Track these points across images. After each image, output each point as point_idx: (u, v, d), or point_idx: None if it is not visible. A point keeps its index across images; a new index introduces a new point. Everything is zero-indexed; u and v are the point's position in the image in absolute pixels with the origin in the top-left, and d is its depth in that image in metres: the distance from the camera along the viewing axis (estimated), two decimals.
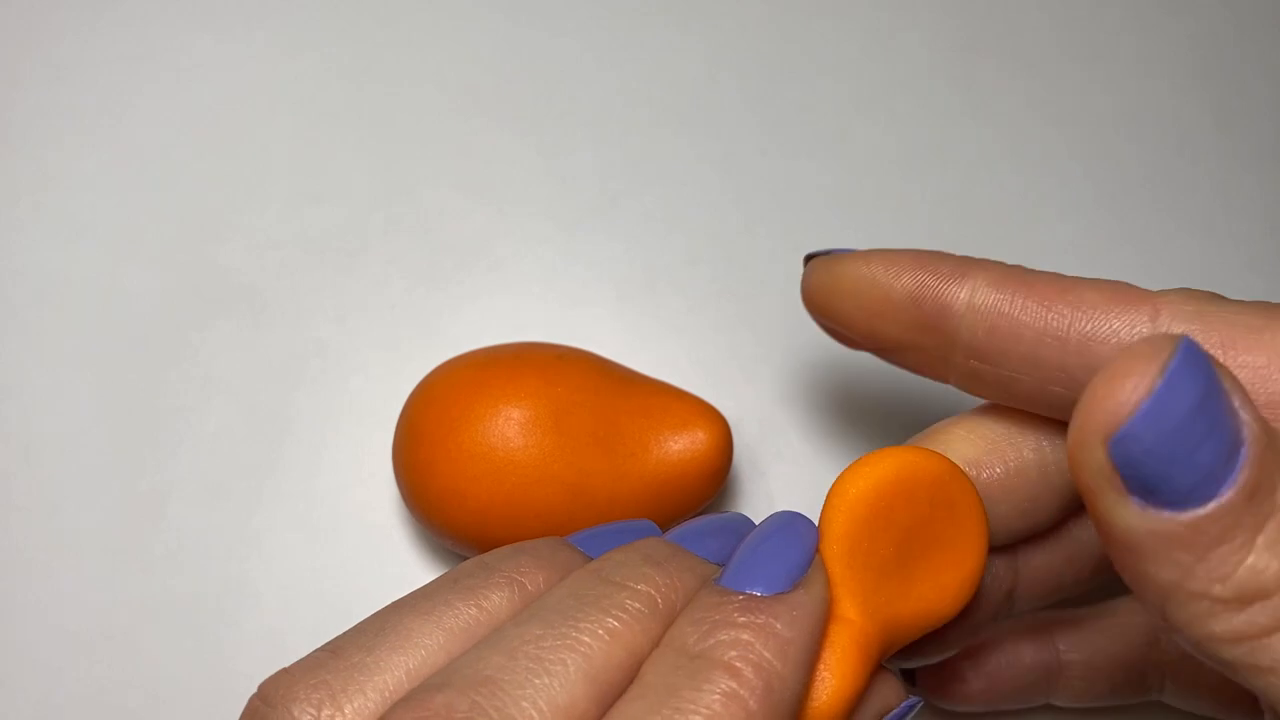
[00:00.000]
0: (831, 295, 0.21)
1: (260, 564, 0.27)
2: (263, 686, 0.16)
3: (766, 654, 0.16)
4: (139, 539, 0.28)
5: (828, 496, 0.19)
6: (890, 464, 0.19)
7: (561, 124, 0.32)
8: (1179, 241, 0.32)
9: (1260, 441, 0.15)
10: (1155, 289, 0.20)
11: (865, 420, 0.30)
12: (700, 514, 0.26)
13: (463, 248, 0.31)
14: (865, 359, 0.30)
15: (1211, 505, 0.15)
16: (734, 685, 0.15)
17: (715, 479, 0.26)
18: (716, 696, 0.15)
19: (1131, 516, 0.15)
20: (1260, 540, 0.15)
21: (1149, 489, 0.15)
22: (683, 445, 0.25)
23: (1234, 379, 0.15)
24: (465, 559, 0.27)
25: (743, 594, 0.17)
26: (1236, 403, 0.15)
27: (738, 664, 0.16)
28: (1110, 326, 0.18)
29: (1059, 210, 0.32)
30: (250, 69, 0.32)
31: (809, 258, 0.22)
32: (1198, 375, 0.15)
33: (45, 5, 0.32)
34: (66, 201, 0.30)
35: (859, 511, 0.18)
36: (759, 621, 0.16)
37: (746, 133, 0.32)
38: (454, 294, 0.30)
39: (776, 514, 0.19)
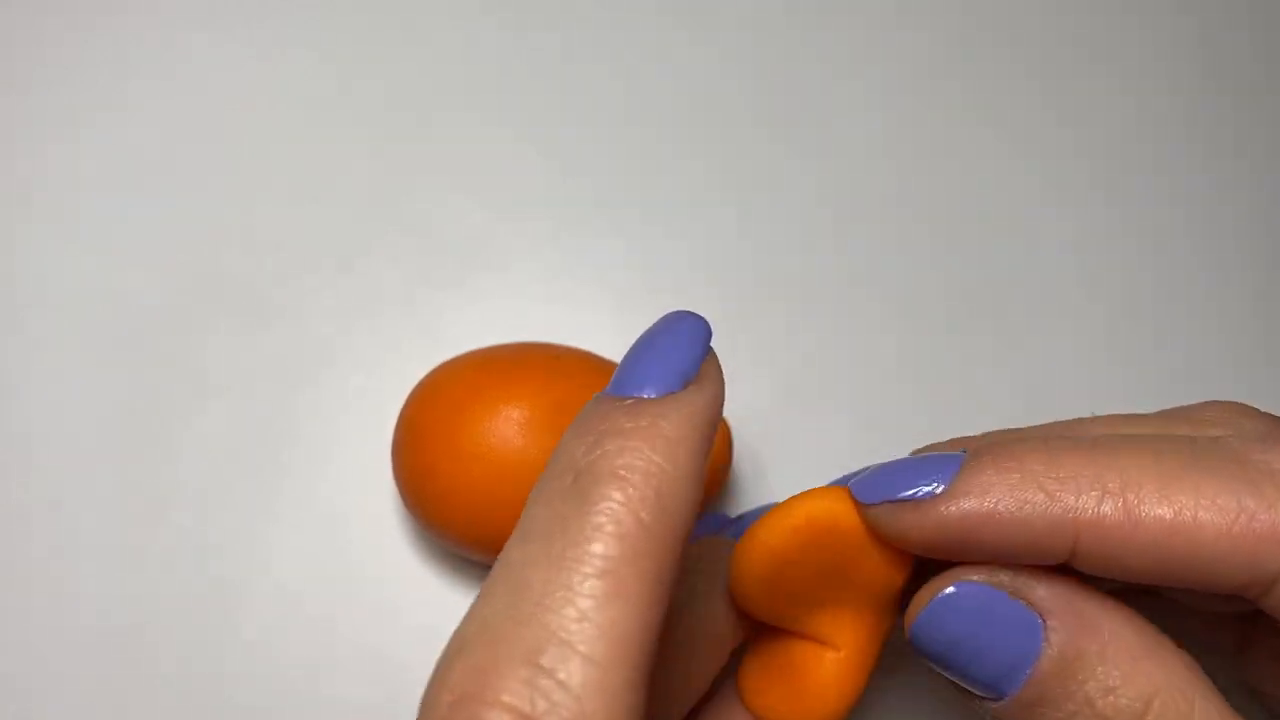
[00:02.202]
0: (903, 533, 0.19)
1: (260, 564, 0.27)
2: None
3: (655, 458, 0.15)
4: (140, 539, 0.28)
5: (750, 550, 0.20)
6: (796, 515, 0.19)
7: (562, 124, 0.32)
8: (1183, 239, 0.32)
9: (1052, 661, 0.17)
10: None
11: (865, 420, 0.30)
12: (701, 514, 0.26)
13: (463, 248, 0.31)
14: (867, 359, 0.30)
15: (997, 705, 0.17)
16: (622, 496, 0.15)
17: (715, 479, 0.26)
18: (606, 510, 0.15)
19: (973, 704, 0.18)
20: None
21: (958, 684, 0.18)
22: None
23: (1037, 588, 0.17)
24: (465, 559, 0.27)
25: (630, 398, 0.16)
26: (1042, 614, 0.17)
27: (623, 472, 0.15)
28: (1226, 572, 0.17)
29: (1060, 209, 0.32)
30: (251, 69, 0.32)
31: (871, 499, 0.19)
32: (958, 613, 0.17)
33: (45, 5, 0.32)
34: (67, 203, 0.30)
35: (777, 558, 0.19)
36: (644, 425, 0.16)
37: (747, 133, 0.32)
38: (454, 294, 0.30)
39: (668, 313, 0.18)
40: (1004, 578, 0.17)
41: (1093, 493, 0.17)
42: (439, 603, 0.27)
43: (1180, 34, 0.34)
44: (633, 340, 0.30)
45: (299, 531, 0.28)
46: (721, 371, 0.17)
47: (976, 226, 0.32)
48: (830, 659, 0.21)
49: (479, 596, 0.15)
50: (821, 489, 0.19)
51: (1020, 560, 0.17)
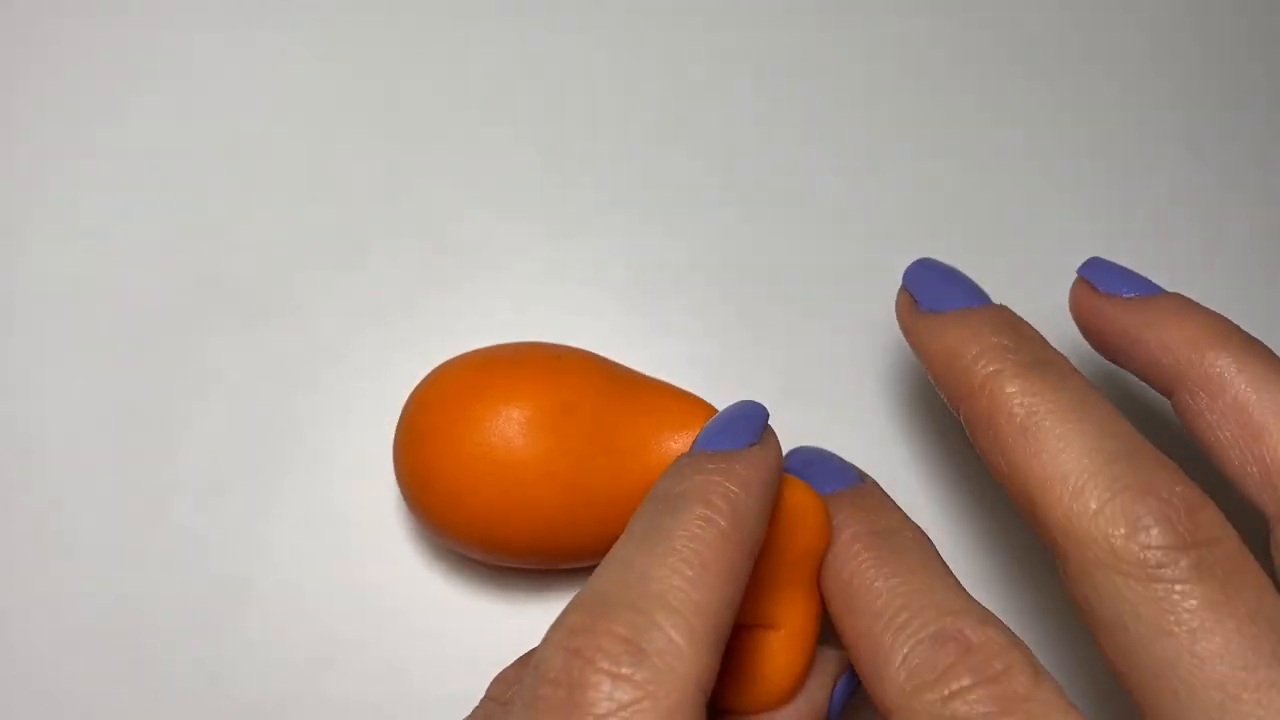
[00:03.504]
0: None
1: (260, 564, 0.27)
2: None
3: (731, 486, 0.20)
4: (140, 539, 0.28)
5: None
6: None
7: (562, 124, 0.32)
8: (1190, 239, 0.32)
9: None
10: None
11: (865, 419, 0.30)
12: None
13: (463, 248, 0.31)
14: (867, 359, 0.30)
15: None
16: (707, 511, 0.19)
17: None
18: (695, 520, 0.19)
19: None
20: None
21: None
22: (682, 445, 0.25)
23: None
24: (466, 559, 0.27)
25: (710, 451, 0.21)
26: None
27: (710, 495, 0.19)
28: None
29: (1062, 209, 0.32)
30: (251, 69, 0.32)
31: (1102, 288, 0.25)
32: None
33: (45, 5, 0.32)
34: (67, 202, 0.30)
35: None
36: (724, 465, 0.20)
37: (748, 132, 0.32)
38: (454, 294, 0.30)
39: (735, 403, 0.23)
40: None
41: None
42: (440, 603, 0.27)
43: (1181, 33, 0.34)
44: (632, 339, 0.30)
45: (300, 531, 0.28)
46: (777, 440, 0.22)
47: (978, 226, 0.32)
48: (772, 638, 0.22)
49: (586, 584, 0.19)
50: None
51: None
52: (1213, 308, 0.23)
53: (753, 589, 0.21)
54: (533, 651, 0.21)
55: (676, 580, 0.18)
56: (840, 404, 0.30)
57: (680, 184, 0.31)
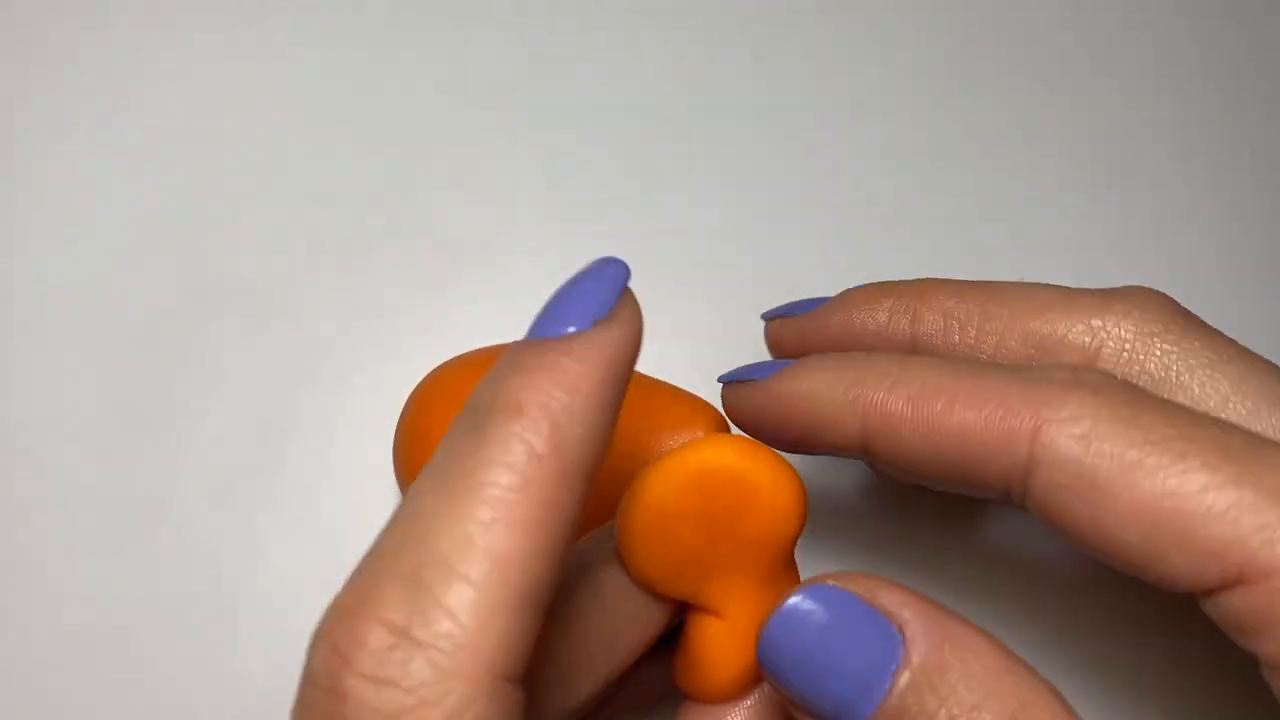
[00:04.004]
0: (765, 420, 0.21)
1: (261, 564, 0.27)
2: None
3: (556, 391, 0.16)
4: (140, 539, 0.28)
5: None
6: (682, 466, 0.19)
7: (562, 124, 0.32)
8: (1181, 241, 0.32)
9: (911, 677, 0.16)
10: (1170, 293, 0.21)
11: None
12: None
13: (463, 248, 0.31)
14: None
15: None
16: (517, 428, 0.15)
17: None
18: (500, 443, 0.15)
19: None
20: None
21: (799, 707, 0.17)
22: (682, 444, 0.25)
23: (896, 597, 0.16)
24: None
25: (536, 340, 0.17)
26: (901, 626, 0.16)
27: (524, 405, 0.15)
28: (987, 470, 0.18)
29: (1062, 209, 0.32)
30: (251, 69, 0.32)
31: (726, 381, 0.22)
32: (805, 626, 0.16)
33: (44, 5, 0.32)
34: (67, 202, 0.30)
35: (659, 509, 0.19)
36: (547, 360, 0.16)
37: (748, 132, 0.32)
38: (454, 294, 0.30)
39: (591, 261, 0.19)
40: (858, 584, 0.17)
41: (885, 384, 0.19)
42: None
43: (1180, 33, 0.34)
44: None
45: (299, 531, 0.28)
46: (637, 312, 0.17)
47: (978, 227, 0.32)
48: (715, 629, 0.20)
49: (381, 531, 0.16)
50: (708, 437, 0.19)
51: (823, 440, 0.20)
52: (1212, 310, 0.22)
53: (709, 573, 0.19)
54: None
55: (470, 529, 0.15)
56: None
57: (680, 184, 0.31)
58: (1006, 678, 0.16)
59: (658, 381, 0.26)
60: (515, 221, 0.31)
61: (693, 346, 0.30)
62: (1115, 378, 0.18)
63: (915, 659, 0.16)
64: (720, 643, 0.20)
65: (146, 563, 0.27)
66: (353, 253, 0.30)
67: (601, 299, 0.17)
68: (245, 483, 0.28)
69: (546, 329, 0.17)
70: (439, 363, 0.26)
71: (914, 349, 0.22)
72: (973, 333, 0.21)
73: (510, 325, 0.30)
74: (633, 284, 0.31)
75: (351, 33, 0.32)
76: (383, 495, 0.28)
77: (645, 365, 0.28)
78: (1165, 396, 0.19)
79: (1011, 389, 0.18)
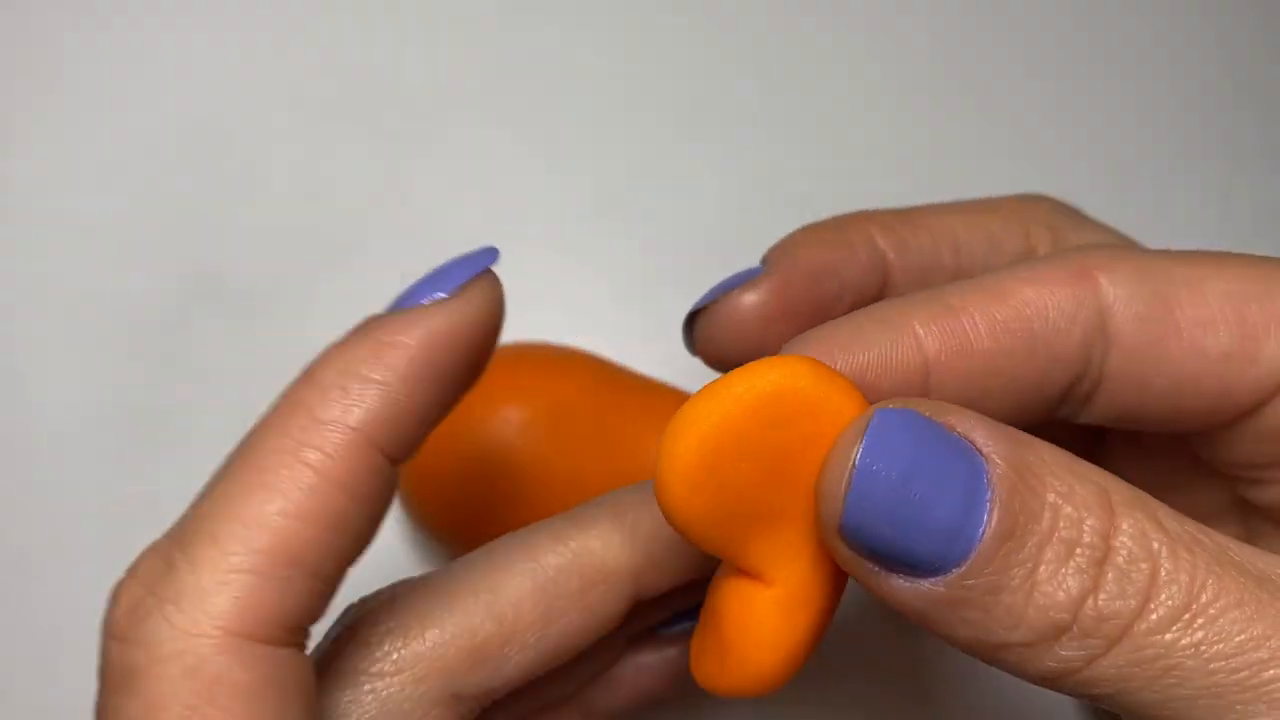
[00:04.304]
0: (760, 330, 0.20)
1: None
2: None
3: (356, 364, 0.16)
4: (138, 539, 0.28)
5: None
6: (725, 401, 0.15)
7: (562, 124, 0.32)
8: (1182, 240, 0.32)
9: (1006, 479, 0.14)
10: (1037, 197, 0.21)
11: None
12: None
13: (462, 247, 0.30)
14: None
15: (970, 559, 0.14)
16: (299, 397, 0.16)
17: None
18: (283, 414, 0.16)
19: (901, 593, 0.14)
20: (1041, 573, 0.14)
21: (901, 563, 0.14)
22: None
23: (969, 416, 0.14)
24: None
25: (379, 315, 0.17)
26: (975, 441, 0.14)
27: (315, 373, 0.16)
28: (1058, 326, 0.17)
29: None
30: (249, 68, 0.32)
31: (690, 320, 0.21)
32: (899, 440, 0.14)
33: (43, 5, 0.32)
34: (64, 201, 0.30)
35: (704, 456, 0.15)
36: (369, 334, 0.16)
37: (747, 132, 0.32)
38: None
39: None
40: (927, 408, 0.15)
41: (926, 309, 0.17)
42: None
43: (1181, 33, 0.34)
44: (632, 340, 0.30)
45: None
46: (490, 290, 0.17)
47: None
48: (763, 599, 0.16)
49: None
50: (769, 359, 0.16)
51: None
52: None
53: (759, 525, 0.16)
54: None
55: (231, 491, 0.15)
56: None
57: (679, 183, 0.31)
58: (1089, 487, 0.14)
59: (657, 382, 0.26)
60: (515, 221, 0.31)
61: None
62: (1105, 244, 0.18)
63: (1005, 484, 0.14)
64: (768, 616, 0.16)
65: None
66: (351, 252, 0.30)
67: (452, 279, 0.17)
68: None
69: (398, 302, 0.17)
70: None
71: (886, 268, 0.20)
72: (926, 238, 0.21)
73: (510, 325, 0.30)
74: (633, 285, 0.31)
75: (351, 33, 0.32)
76: None
77: (645, 365, 0.28)
78: None
79: (1041, 265, 0.17)
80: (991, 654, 0.14)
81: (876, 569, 0.14)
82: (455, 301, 0.17)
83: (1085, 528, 0.14)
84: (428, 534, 0.26)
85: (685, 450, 0.15)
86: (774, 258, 0.20)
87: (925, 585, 0.14)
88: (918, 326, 0.16)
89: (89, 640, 0.27)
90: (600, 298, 0.30)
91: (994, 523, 0.14)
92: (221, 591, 0.14)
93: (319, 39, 0.32)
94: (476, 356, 0.17)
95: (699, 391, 0.15)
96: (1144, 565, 0.14)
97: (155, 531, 0.28)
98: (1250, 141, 0.33)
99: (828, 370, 0.15)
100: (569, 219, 0.31)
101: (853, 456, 0.14)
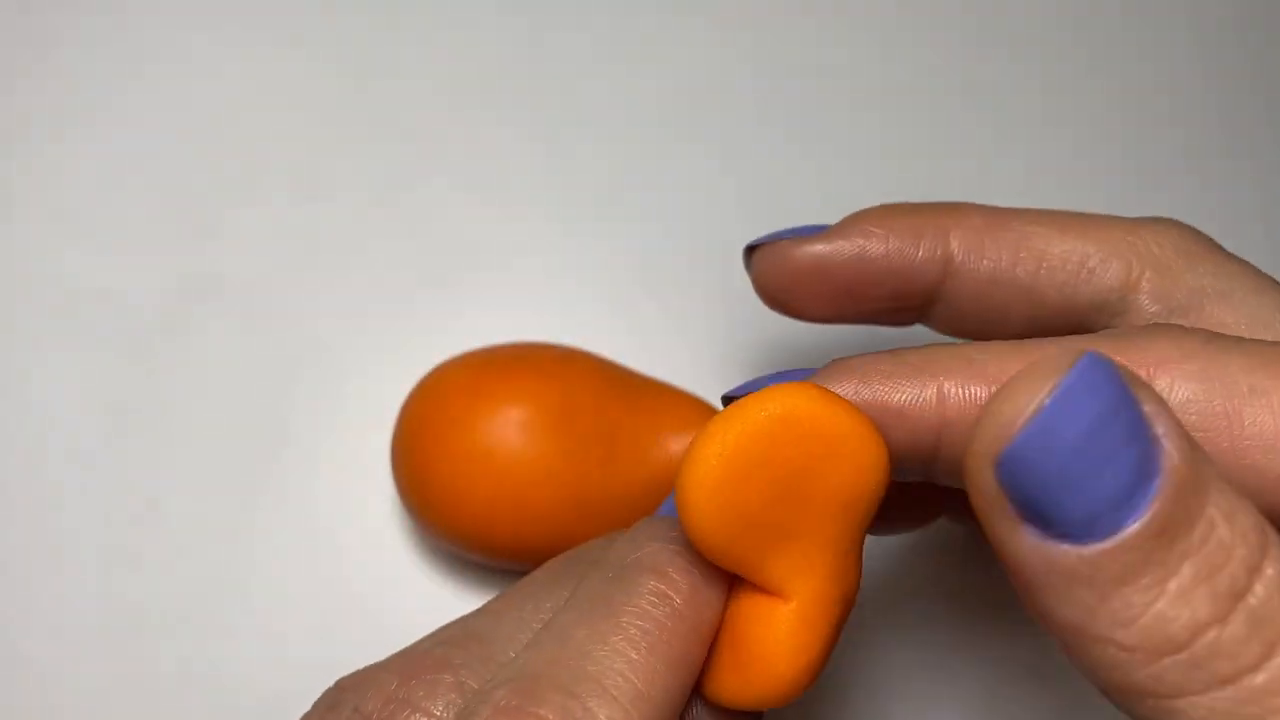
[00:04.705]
0: (790, 284, 0.21)
1: (259, 565, 0.27)
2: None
3: (693, 558, 0.17)
4: (137, 539, 0.28)
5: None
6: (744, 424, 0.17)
7: (562, 123, 0.32)
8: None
9: (1179, 472, 0.13)
10: (1168, 224, 0.21)
11: None
12: None
13: (462, 247, 0.30)
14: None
15: (1114, 540, 0.13)
16: (660, 585, 0.17)
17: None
18: (646, 595, 0.17)
19: (1025, 548, 0.14)
20: (1173, 584, 0.13)
21: (1043, 517, 0.13)
22: (682, 445, 0.25)
23: (1157, 400, 0.14)
24: (464, 560, 0.27)
25: (674, 517, 0.18)
26: (1157, 427, 0.13)
27: (666, 567, 0.17)
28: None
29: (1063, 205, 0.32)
30: (248, 67, 0.32)
31: (750, 249, 0.22)
32: (1099, 392, 0.13)
33: (42, 5, 0.32)
34: (64, 201, 0.30)
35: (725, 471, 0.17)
36: (680, 534, 0.17)
37: (748, 132, 0.32)
38: (454, 294, 0.30)
39: None
40: (1126, 373, 0.14)
41: (960, 369, 0.17)
42: (438, 604, 0.27)
43: (1181, 32, 0.34)
44: (632, 340, 0.30)
45: (298, 532, 0.28)
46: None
47: None
48: (781, 614, 0.17)
49: (520, 652, 0.17)
50: (784, 385, 0.17)
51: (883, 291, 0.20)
52: None
53: (775, 541, 0.17)
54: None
55: (618, 663, 0.16)
56: None
57: (680, 183, 0.31)
58: (1252, 511, 0.14)
59: (657, 382, 0.26)
60: (515, 221, 0.31)
61: (693, 347, 0.30)
62: (1173, 324, 0.17)
63: (1177, 454, 0.14)
64: (787, 631, 0.17)
65: (143, 563, 0.27)
66: (351, 252, 0.30)
67: None
68: (243, 483, 0.28)
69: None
70: (438, 363, 0.26)
71: (944, 274, 0.20)
72: (1007, 254, 0.20)
73: (510, 325, 0.30)
74: (633, 284, 0.31)
75: (350, 31, 0.32)
76: (380, 495, 0.28)
77: (645, 365, 0.28)
78: (1214, 312, 0.19)
79: (1099, 346, 0.16)
80: (1085, 645, 0.14)
81: (1012, 514, 0.14)
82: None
83: (1235, 555, 0.13)
84: (428, 533, 0.26)
85: (707, 471, 0.16)
86: (841, 222, 0.21)
87: (1056, 548, 0.13)
88: (949, 385, 0.17)
89: (89, 640, 0.27)
90: (601, 298, 0.30)
91: (1152, 513, 0.13)
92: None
93: (319, 39, 0.32)
94: None
95: (716, 417, 0.17)
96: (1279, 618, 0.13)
97: (155, 531, 0.28)
98: (1264, 141, 0.33)
99: (836, 396, 0.17)
100: (569, 219, 0.31)
101: (1044, 391, 0.13)
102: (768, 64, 0.33)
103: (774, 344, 0.30)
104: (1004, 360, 0.17)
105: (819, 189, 0.32)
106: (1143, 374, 0.16)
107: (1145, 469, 0.13)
